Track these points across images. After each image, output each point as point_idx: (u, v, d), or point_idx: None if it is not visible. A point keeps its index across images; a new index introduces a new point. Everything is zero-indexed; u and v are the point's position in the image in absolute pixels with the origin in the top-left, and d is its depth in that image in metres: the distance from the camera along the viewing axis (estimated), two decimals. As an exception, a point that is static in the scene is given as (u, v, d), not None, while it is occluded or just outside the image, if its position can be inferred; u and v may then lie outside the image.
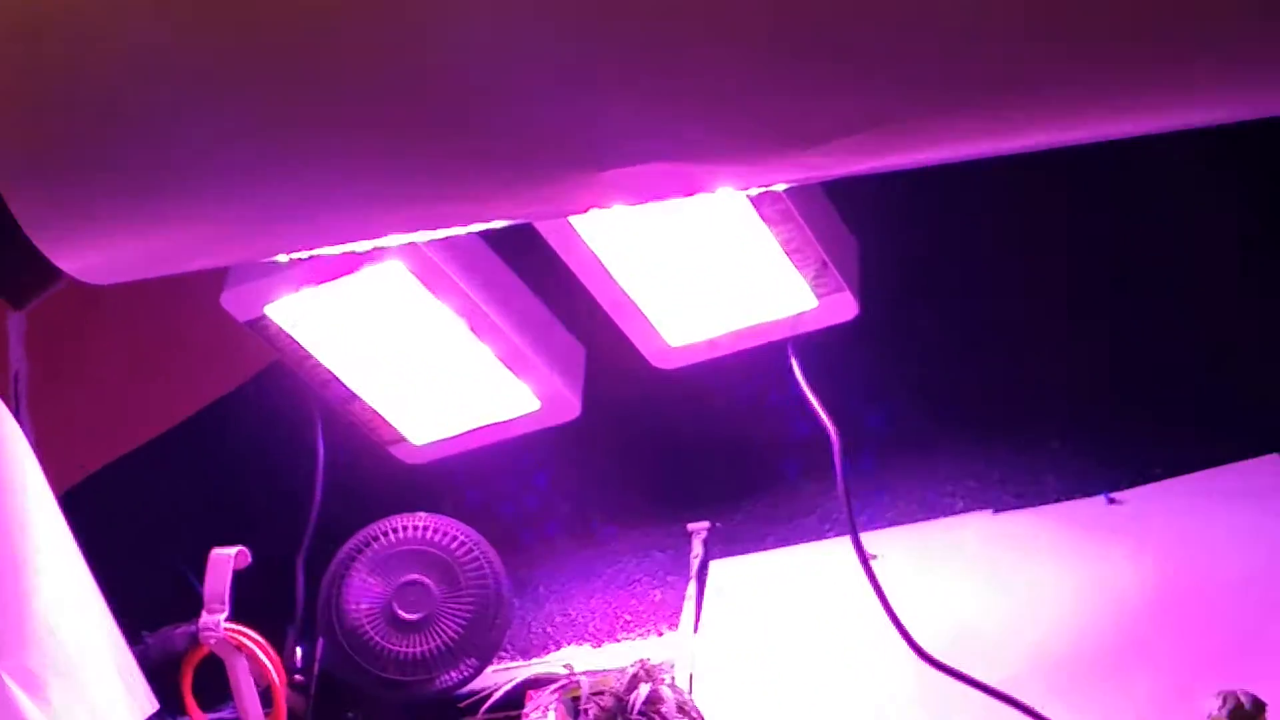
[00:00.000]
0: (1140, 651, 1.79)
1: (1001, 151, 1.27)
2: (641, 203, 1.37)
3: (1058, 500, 1.95)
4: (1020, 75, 1.15)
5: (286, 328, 1.91)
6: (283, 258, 1.40)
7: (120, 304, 1.98)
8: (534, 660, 2.12)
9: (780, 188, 1.71)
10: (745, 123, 1.20)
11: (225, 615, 1.92)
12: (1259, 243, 1.92)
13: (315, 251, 1.40)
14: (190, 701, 1.95)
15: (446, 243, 1.85)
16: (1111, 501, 1.91)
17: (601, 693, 1.58)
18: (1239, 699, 1.41)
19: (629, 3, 1.16)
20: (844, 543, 1.94)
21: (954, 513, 2.01)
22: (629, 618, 2.12)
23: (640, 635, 2.09)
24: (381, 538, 2.06)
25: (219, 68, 1.17)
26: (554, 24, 1.15)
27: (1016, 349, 2.04)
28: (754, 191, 1.72)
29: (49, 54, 1.21)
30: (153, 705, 1.67)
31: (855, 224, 1.96)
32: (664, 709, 1.60)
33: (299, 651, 2.10)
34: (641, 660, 1.60)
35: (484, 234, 1.90)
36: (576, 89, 1.17)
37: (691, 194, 1.37)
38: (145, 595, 1.97)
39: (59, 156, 1.28)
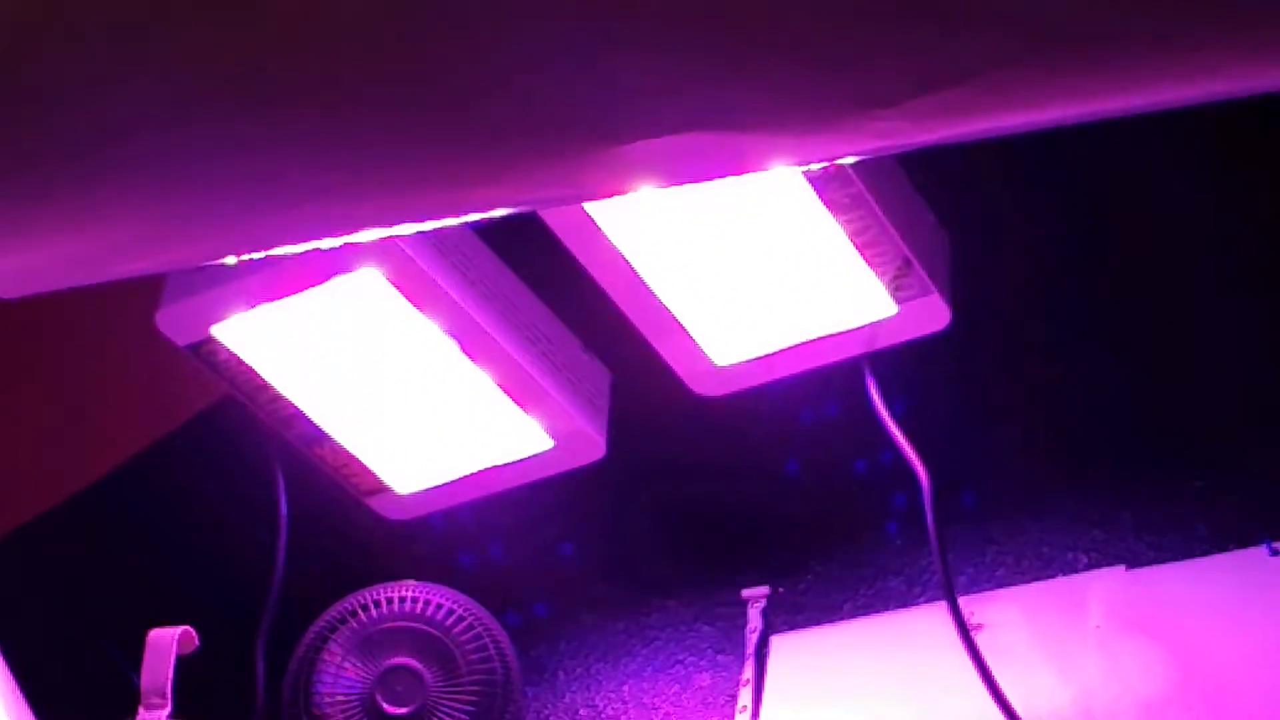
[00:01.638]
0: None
1: (1120, 112, 1.27)
2: (675, 185, 1.38)
3: (1207, 553, 1.97)
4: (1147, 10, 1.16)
5: (238, 352, 1.92)
6: (231, 260, 1.41)
7: (26, 325, 1.99)
8: (554, 764, 2.14)
9: (849, 163, 1.71)
10: (804, 76, 1.20)
11: (168, 713, 1.92)
12: None
13: (272, 251, 1.40)
14: (125, 826, 1.96)
15: (434, 242, 1.87)
16: (1275, 553, 1.92)
17: (637, 803, 1.58)
18: None
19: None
20: (939, 609, 1.95)
21: (1077, 569, 2.02)
22: (670, 708, 2.14)
23: (685, 730, 2.11)
24: (360, 613, 2.08)
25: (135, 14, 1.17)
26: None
27: (1146, 366, 2.05)
28: (816, 169, 1.73)
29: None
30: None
31: (944, 214, 1.97)
32: (715, 822, 1.60)
33: (260, 759, 2.11)
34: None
35: (481, 230, 1.92)
36: (587, 36, 1.17)
37: (738, 173, 1.37)
38: (68, 688, 1.98)
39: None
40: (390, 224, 1.43)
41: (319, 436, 2.02)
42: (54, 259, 1.36)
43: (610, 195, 1.55)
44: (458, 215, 1.43)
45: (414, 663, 2.05)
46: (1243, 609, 1.91)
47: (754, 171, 1.38)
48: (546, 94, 1.22)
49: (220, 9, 1.15)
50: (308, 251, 1.69)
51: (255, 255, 1.45)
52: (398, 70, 1.20)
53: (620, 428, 2.04)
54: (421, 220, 1.42)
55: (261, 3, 1.15)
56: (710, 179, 1.39)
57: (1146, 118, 1.27)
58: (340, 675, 2.06)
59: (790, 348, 1.95)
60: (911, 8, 1.18)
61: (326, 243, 1.42)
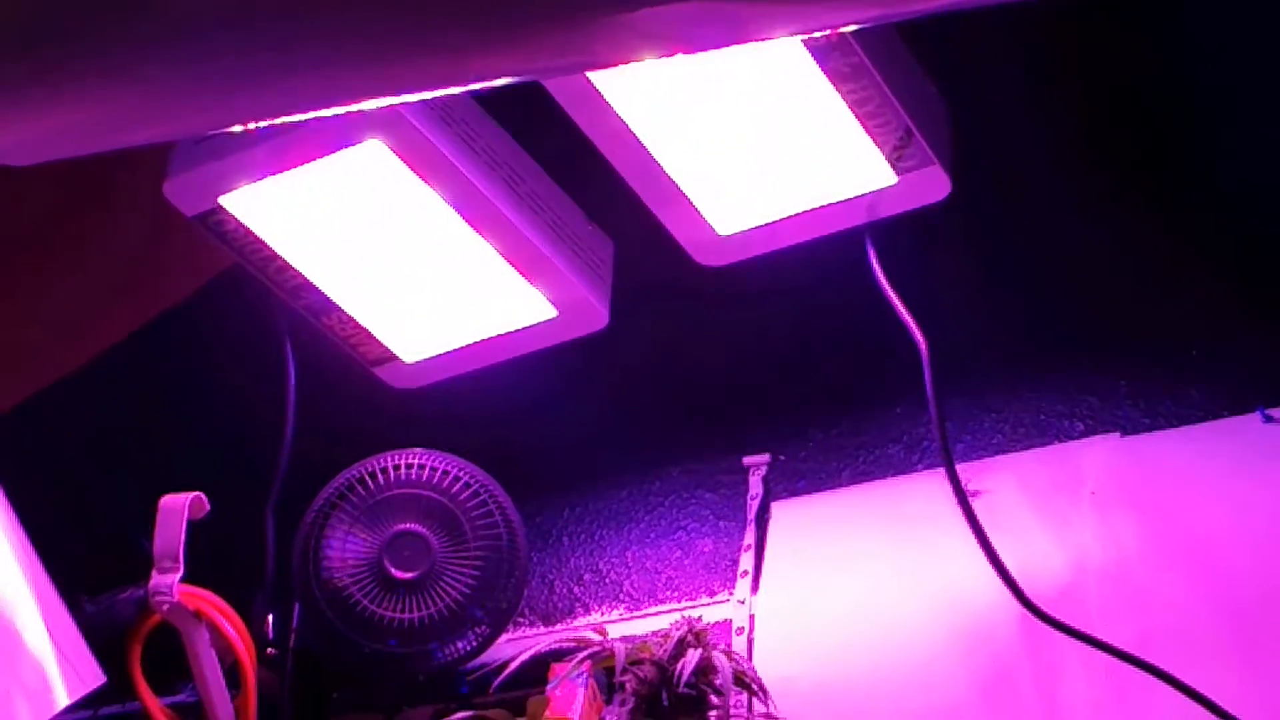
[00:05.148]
0: (1305, 607, 1.81)
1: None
2: (678, 54, 1.37)
3: (1201, 419, 1.98)
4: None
5: (247, 222, 1.92)
6: (237, 128, 1.41)
7: (37, 198, 1.99)
8: (557, 627, 2.16)
9: (851, 32, 1.70)
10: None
11: (180, 576, 1.94)
12: None
13: (278, 119, 1.40)
14: (140, 681, 1.97)
15: (438, 114, 1.86)
16: (1269, 420, 1.93)
17: (641, 662, 1.61)
18: None
19: None
20: (937, 476, 1.96)
21: (1072, 437, 2.03)
22: (673, 573, 2.16)
23: (687, 594, 2.13)
24: (368, 480, 2.08)
25: None
26: None
27: (1144, 234, 2.04)
28: (818, 39, 1.72)
29: None
30: (98, 679, 1.70)
31: (945, 85, 1.95)
32: (718, 680, 1.63)
33: (270, 620, 2.13)
34: (689, 620, 1.62)
35: (485, 101, 1.91)
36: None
37: (742, 42, 1.37)
38: (82, 554, 2.01)
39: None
40: (395, 92, 1.43)
41: (327, 306, 2.03)
42: (64, 128, 1.36)
43: (616, 64, 1.55)
44: (463, 84, 1.42)
45: (420, 528, 2.06)
46: (1235, 475, 1.92)
47: (757, 41, 1.38)
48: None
49: None
50: (314, 122, 1.70)
51: (261, 124, 1.46)
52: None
53: (623, 297, 2.04)
54: (426, 88, 1.42)
55: None
56: (714, 48, 1.39)
57: None
58: (348, 541, 2.07)
59: (792, 216, 1.95)
60: None
61: (332, 110, 1.42)
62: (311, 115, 1.41)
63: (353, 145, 1.84)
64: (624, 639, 1.63)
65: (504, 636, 2.09)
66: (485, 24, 1.25)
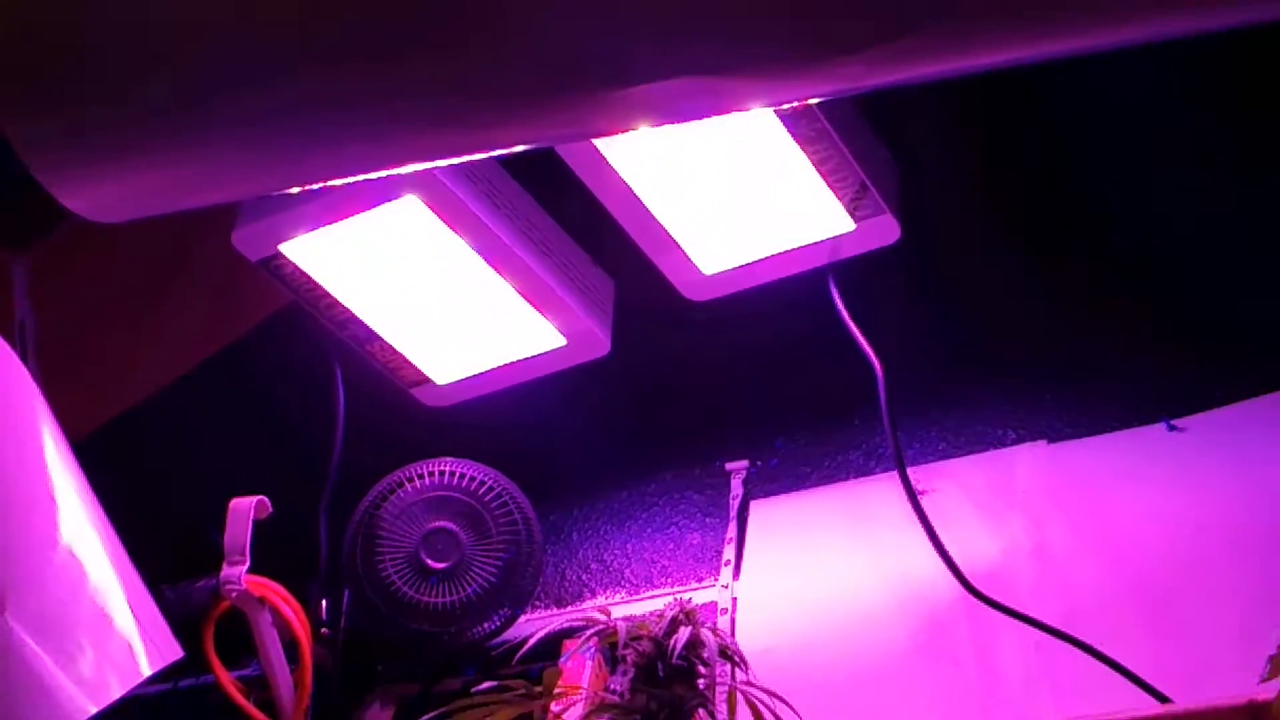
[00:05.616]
0: (1204, 588, 1.79)
1: (1061, 54, 1.27)
2: (669, 123, 1.38)
3: (1116, 429, 1.96)
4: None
5: (302, 266, 1.92)
6: (295, 190, 1.42)
7: (127, 246, 2.00)
8: (568, 608, 2.15)
9: (815, 103, 1.72)
10: (777, 28, 1.21)
11: (247, 567, 1.94)
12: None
13: (330, 182, 1.42)
14: (213, 658, 1.97)
15: (465, 174, 1.86)
16: (1172, 429, 1.92)
17: (640, 638, 1.59)
18: (1303, 638, 1.41)
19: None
20: (891, 478, 1.96)
21: (1005, 444, 2.02)
22: (666, 562, 2.14)
23: (678, 580, 2.12)
24: (406, 484, 2.08)
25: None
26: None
27: (1063, 272, 2.04)
28: (787, 109, 1.73)
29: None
30: (176, 653, 1.69)
31: (893, 149, 1.96)
32: (705, 653, 1.61)
33: (324, 604, 2.12)
34: (680, 602, 1.61)
35: (505, 162, 1.92)
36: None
37: (723, 113, 1.38)
38: (160, 550, 2.00)
39: (66, 92, 1.31)
40: (429, 158, 1.44)
41: (370, 336, 2.03)
42: (153, 189, 1.37)
43: (616, 133, 1.56)
44: (486, 151, 1.43)
45: (452, 525, 2.06)
46: (1143, 476, 1.91)
47: (736, 111, 1.39)
48: (563, 47, 1.23)
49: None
50: (360, 182, 1.71)
51: (315, 185, 1.47)
52: (438, 35, 1.21)
53: (622, 328, 2.04)
54: (456, 155, 1.43)
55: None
56: (699, 118, 1.40)
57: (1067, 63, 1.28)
58: (391, 537, 2.06)
59: (766, 258, 1.96)
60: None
61: (376, 174, 1.43)
62: (359, 178, 1.42)
63: (392, 201, 1.85)
64: (625, 619, 1.61)
65: (523, 617, 2.09)
66: (507, 103, 1.27)
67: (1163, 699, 1.73)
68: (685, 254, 1.95)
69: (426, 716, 1.59)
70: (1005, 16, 1.21)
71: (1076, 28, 1.24)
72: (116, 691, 1.59)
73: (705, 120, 1.46)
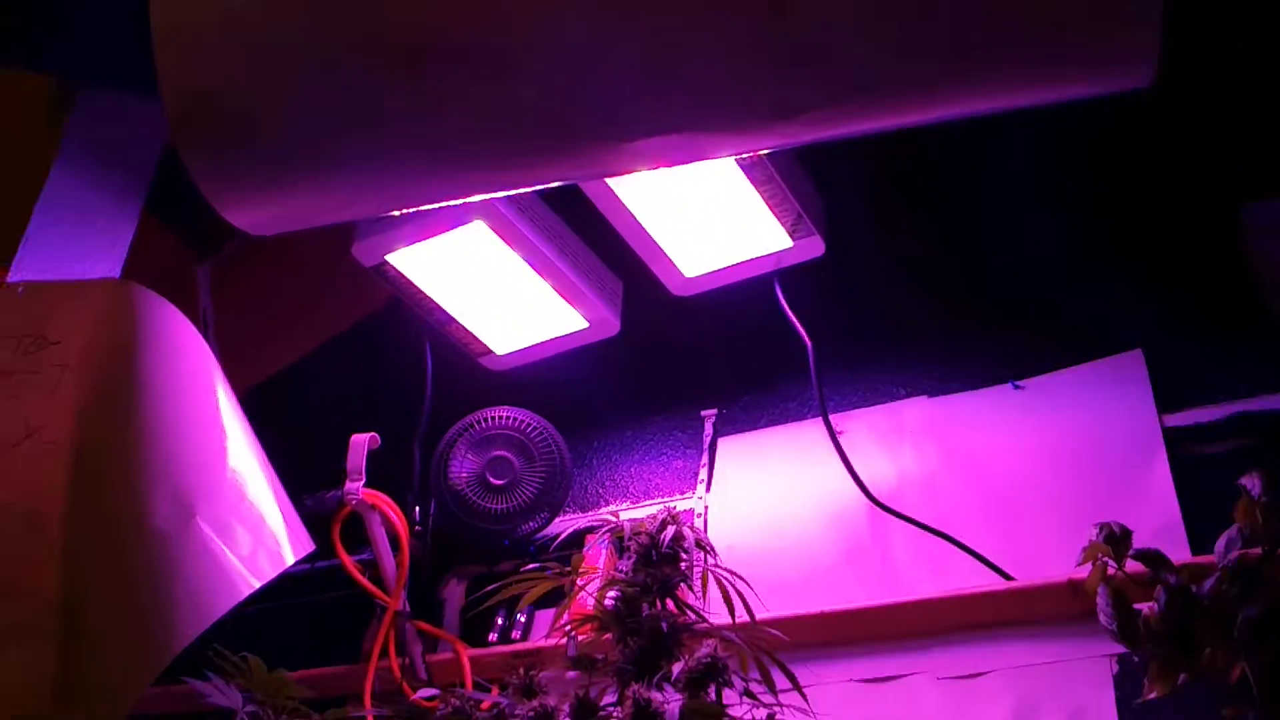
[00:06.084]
0: (1045, 499, 1.80)
1: (919, 123, 1.27)
2: (660, 167, 1.39)
3: (977, 388, 1.96)
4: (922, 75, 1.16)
5: (403, 270, 1.91)
6: (397, 213, 1.42)
7: (285, 258, 1.99)
8: (589, 513, 2.14)
9: (765, 154, 1.71)
10: (740, 100, 1.21)
11: (363, 483, 1.94)
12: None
13: (423, 207, 1.41)
14: (339, 547, 1.97)
15: (516, 205, 1.86)
16: (1017, 388, 1.92)
17: (639, 534, 1.59)
18: (1111, 529, 1.42)
19: (650, 20, 1.17)
20: (818, 423, 1.96)
21: (898, 398, 2.01)
22: (659, 481, 2.14)
23: (667, 493, 2.11)
24: (476, 425, 2.08)
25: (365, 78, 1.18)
26: (609, 31, 1.16)
27: (946, 275, 2.04)
28: (745, 158, 1.73)
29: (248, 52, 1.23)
30: (310, 546, 1.69)
31: (821, 185, 1.95)
32: (686, 545, 1.61)
33: (417, 510, 2.12)
34: (668, 509, 1.61)
35: (542, 195, 1.91)
36: (613, 76, 1.18)
37: (699, 159, 1.38)
38: (300, 471, 2.00)
39: (239, 143, 1.30)
40: (491, 191, 1.44)
41: (449, 320, 2.02)
42: (296, 212, 1.37)
43: (622, 174, 1.56)
44: (530, 186, 1.43)
45: (507, 454, 2.05)
46: (996, 421, 1.91)
47: (708, 159, 1.39)
48: (587, 115, 1.23)
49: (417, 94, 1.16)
50: (442, 209, 1.70)
51: (410, 210, 1.46)
52: (513, 106, 1.21)
53: (628, 315, 2.03)
54: (509, 189, 1.43)
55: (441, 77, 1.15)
56: (683, 164, 1.39)
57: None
58: (464, 462, 2.06)
59: (730, 265, 1.95)
60: (801, 64, 1.18)
61: (453, 202, 1.43)
62: (442, 205, 1.42)
63: (465, 224, 1.84)
64: (629, 520, 1.61)
65: (557, 520, 2.08)
66: (546, 156, 1.26)
67: (1008, 578, 1.73)
68: (672, 261, 1.94)
69: (490, 587, 1.58)
70: (899, 94, 1.20)
71: (949, 102, 1.24)
72: (270, 573, 1.60)
73: (688, 165, 1.45)
